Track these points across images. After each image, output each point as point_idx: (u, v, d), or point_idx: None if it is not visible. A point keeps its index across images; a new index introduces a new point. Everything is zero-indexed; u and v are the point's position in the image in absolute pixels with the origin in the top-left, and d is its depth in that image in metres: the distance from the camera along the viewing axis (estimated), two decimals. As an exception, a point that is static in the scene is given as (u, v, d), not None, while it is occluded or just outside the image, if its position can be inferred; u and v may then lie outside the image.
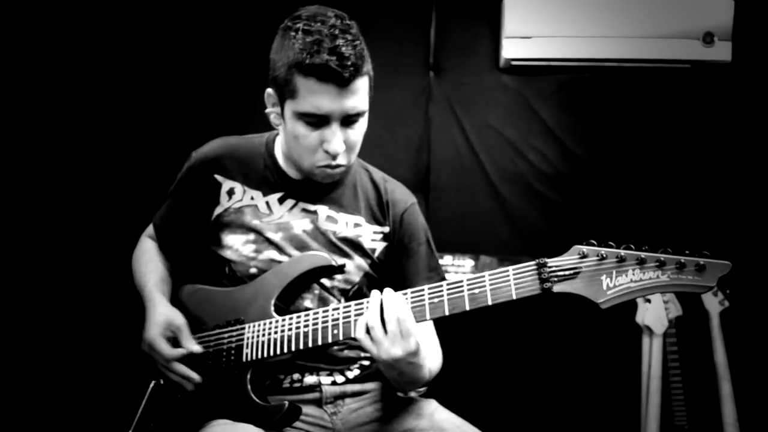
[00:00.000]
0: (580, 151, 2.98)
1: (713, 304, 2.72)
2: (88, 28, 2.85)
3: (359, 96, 1.67)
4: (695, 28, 2.82)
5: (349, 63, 1.60)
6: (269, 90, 1.75)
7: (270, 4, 2.82)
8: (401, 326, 1.50)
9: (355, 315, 1.62)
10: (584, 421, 2.90)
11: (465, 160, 2.99)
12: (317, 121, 1.67)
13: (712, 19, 2.81)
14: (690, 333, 2.77)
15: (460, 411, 1.85)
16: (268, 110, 1.79)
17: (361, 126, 1.74)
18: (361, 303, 1.62)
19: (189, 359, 1.77)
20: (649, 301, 2.73)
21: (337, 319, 1.64)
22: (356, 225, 1.87)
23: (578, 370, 2.92)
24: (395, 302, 1.53)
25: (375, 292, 1.57)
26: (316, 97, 1.63)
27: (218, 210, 1.86)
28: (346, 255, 1.84)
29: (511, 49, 2.85)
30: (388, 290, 1.55)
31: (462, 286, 1.53)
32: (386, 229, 1.89)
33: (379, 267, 1.88)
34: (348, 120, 1.69)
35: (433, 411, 1.84)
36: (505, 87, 2.99)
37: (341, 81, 1.61)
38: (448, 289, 1.54)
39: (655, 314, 2.72)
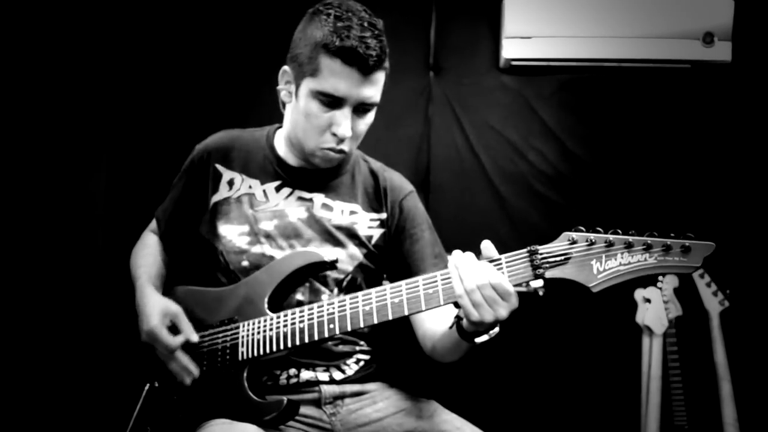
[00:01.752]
0: (581, 152, 2.97)
1: (713, 304, 2.71)
2: (89, 24, 2.87)
3: (376, 87, 1.74)
4: (695, 28, 2.82)
5: (374, 53, 1.67)
6: (286, 67, 1.81)
7: (271, 2, 2.85)
8: (498, 290, 1.47)
9: (351, 308, 1.63)
10: (584, 421, 2.88)
11: (465, 160, 2.99)
12: (332, 102, 1.72)
13: (712, 19, 2.81)
14: (690, 333, 2.76)
15: (461, 412, 1.86)
16: (280, 87, 1.84)
17: (370, 117, 1.80)
18: (356, 297, 1.64)
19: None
20: (649, 301, 2.72)
21: (333, 314, 1.65)
22: (352, 212, 1.89)
23: (578, 370, 2.91)
24: (480, 269, 1.49)
25: (459, 255, 1.53)
26: (337, 78, 1.68)
27: (216, 198, 1.89)
28: (340, 243, 1.85)
29: (511, 49, 2.85)
30: (469, 259, 1.52)
31: None
32: (383, 216, 1.91)
33: (376, 256, 1.90)
34: (360, 108, 1.75)
35: (434, 412, 1.86)
36: (505, 87, 2.99)
37: (365, 68, 1.68)
38: (442, 279, 1.56)
39: (654, 314, 2.72)
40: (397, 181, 1.97)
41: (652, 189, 2.95)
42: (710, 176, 2.93)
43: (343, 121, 1.73)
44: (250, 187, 1.88)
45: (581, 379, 2.91)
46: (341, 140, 1.76)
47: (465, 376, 2.74)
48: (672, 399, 2.69)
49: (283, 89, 1.83)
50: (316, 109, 1.73)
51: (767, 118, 2.90)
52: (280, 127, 1.95)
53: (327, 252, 1.82)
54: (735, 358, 2.69)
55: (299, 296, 1.82)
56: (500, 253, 1.54)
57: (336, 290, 1.85)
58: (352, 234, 1.87)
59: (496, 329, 1.54)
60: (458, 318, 1.59)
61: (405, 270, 1.87)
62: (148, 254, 2.02)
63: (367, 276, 1.89)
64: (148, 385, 1.87)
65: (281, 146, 1.92)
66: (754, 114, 2.91)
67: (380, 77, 1.74)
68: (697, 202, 2.92)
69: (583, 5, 2.83)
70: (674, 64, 2.88)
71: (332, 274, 1.84)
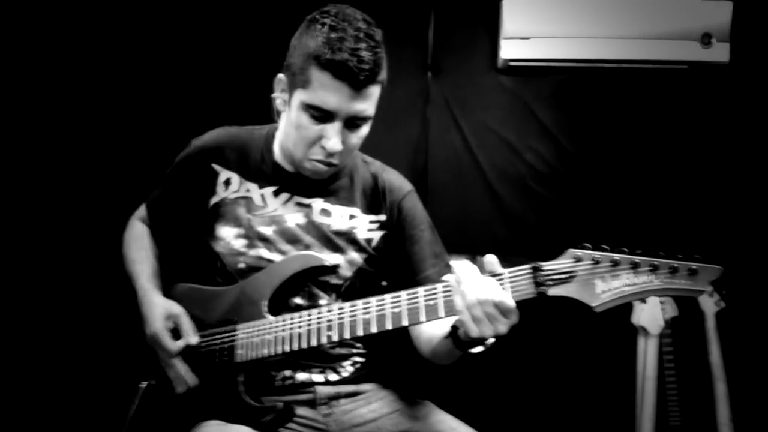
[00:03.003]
0: (578, 152, 2.97)
1: (709, 304, 2.72)
2: (90, 23, 2.85)
3: (369, 101, 1.69)
4: (693, 29, 2.81)
5: (366, 67, 1.62)
6: (281, 75, 1.77)
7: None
8: (500, 308, 1.45)
9: (350, 316, 1.63)
10: (580, 422, 2.91)
11: (463, 161, 2.99)
12: (322, 116, 1.68)
13: (710, 20, 2.80)
14: (686, 333, 2.77)
15: (456, 412, 1.87)
16: (275, 95, 1.80)
17: (363, 131, 1.76)
18: (356, 305, 1.63)
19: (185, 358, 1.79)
20: (644, 301, 2.73)
21: (332, 321, 1.64)
22: (351, 217, 1.87)
23: (574, 371, 2.92)
24: (483, 285, 1.46)
25: (461, 268, 1.50)
26: (327, 92, 1.64)
27: (214, 200, 1.87)
28: (339, 249, 1.84)
29: (509, 50, 2.84)
30: (472, 273, 1.49)
31: None
32: (383, 218, 1.89)
33: (376, 259, 1.88)
34: (352, 122, 1.71)
35: (429, 413, 1.86)
36: (504, 88, 2.98)
37: (355, 83, 1.63)
38: (443, 291, 1.54)
39: (650, 315, 2.72)
40: (396, 182, 1.94)
41: (650, 190, 2.95)
42: (708, 177, 2.93)
43: (332, 135, 1.69)
44: (247, 190, 1.86)
45: (577, 379, 2.92)
46: (331, 154, 1.72)
47: (460, 377, 2.74)
48: (667, 399, 2.71)
49: (278, 97, 1.80)
50: (306, 121, 1.69)
51: (765, 119, 2.90)
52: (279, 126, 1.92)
53: (327, 258, 1.81)
54: (730, 358, 2.71)
55: (298, 300, 1.82)
56: (499, 255, 1.52)
57: (334, 296, 1.84)
58: (351, 239, 1.85)
59: (492, 339, 1.52)
60: (455, 327, 1.58)
61: (405, 271, 1.86)
62: (141, 248, 2.00)
63: (367, 281, 1.88)
64: (145, 383, 1.86)
65: (278, 150, 1.88)
66: (751, 115, 2.91)
67: (373, 91, 1.69)
68: (694, 203, 2.93)
69: (581, 6, 2.82)
70: (672, 65, 2.87)
71: (331, 280, 1.83)
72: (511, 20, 2.82)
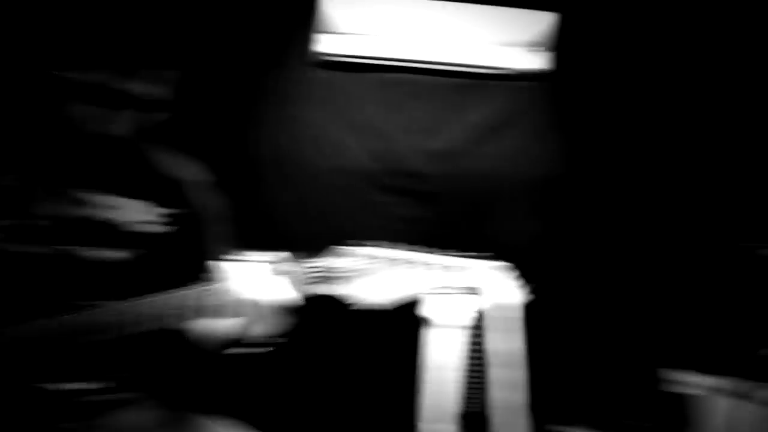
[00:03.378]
0: (401, 151, 3.03)
1: (512, 294, 2.71)
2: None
3: None
4: (517, 37, 2.90)
5: None
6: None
7: None
8: (272, 307, 1.46)
9: (126, 317, 1.55)
10: (369, 418, 2.95)
11: (287, 157, 2.98)
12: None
13: (534, 28, 2.90)
14: (485, 324, 2.75)
15: (236, 420, 1.82)
16: None
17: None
18: (133, 305, 1.55)
19: None
20: (441, 293, 2.71)
21: (107, 322, 1.56)
22: (136, 210, 1.77)
23: (359, 367, 2.97)
24: (259, 285, 1.48)
25: (239, 266, 1.52)
26: None
27: None
28: (121, 244, 1.74)
29: (328, 45, 2.85)
30: (250, 272, 1.50)
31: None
32: (171, 211, 1.80)
33: (161, 255, 1.78)
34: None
35: (201, 424, 1.81)
36: (326, 83, 2.97)
37: None
38: (222, 290, 1.52)
39: (447, 305, 2.69)
40: (190, 174, 1.88)
41: (468, 190, 3.04)
42: (527, 179, 3.06)
43: None
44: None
45: (368, 374, 2.96)
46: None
47: (237, 382, 2.72)
48: (466, 388, 2.71)
49: None
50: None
51: (585, 125, 3.05)
52: None
53: (107, 254, 1.72)
54: (532, 347, 2.71)
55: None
56: (303, 252, 1.51)
57: (113, 294, 1.73)
58: (137, 233, 1.75)
59: (270, 339, 1.54)
60: (235, 326, 1.57)
61: (190, 267, 1.76)
62: None
63: (148, 278, 1.72)
64: None
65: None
66: (573, 122, 3.05)
67: None
68: (511, 203, 3.04)
69: (404, 6, 2.85)
70: (496, 70, 2.96)
71: (108, 277, 1.72)
72: (329, 15, 2.82)
